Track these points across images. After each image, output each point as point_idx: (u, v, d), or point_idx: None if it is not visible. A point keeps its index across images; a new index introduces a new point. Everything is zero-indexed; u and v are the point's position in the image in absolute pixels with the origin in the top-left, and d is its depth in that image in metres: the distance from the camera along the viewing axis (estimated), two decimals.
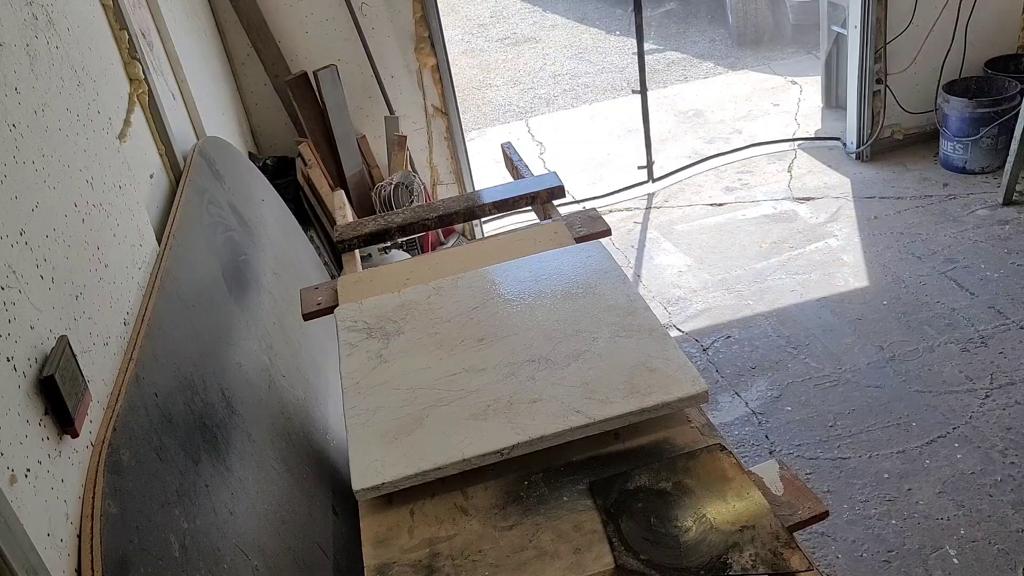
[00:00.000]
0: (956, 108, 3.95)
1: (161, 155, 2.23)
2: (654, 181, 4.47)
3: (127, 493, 1.22)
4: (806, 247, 3.68)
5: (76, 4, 1.86)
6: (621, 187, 4.47)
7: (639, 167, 4.46)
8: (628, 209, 4.31)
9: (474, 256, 2.07)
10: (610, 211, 4.27)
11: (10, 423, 1.04)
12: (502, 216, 4.14)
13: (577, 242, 2.05)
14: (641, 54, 4.28)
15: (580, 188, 4.61)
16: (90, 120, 1.64)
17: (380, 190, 3.64)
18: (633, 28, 4.28)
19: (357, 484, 1.37)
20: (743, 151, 4.63)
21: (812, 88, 5.26)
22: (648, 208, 4.28)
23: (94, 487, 1.18)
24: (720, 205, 4.18)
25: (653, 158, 4.45)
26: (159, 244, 1.88)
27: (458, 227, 4.08)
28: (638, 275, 3.70)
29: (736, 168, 4.52)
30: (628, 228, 4.10)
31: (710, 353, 3.13)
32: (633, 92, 4.36)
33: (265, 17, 3.54)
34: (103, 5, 2.06)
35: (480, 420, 1.45)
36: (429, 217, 2.29)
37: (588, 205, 4.30)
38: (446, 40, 3.81)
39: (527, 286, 1.83)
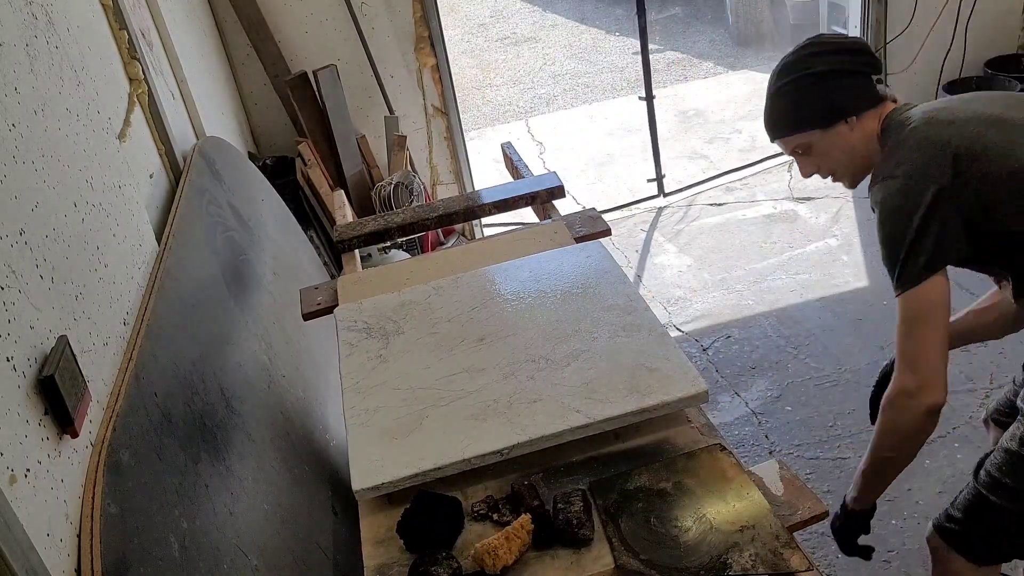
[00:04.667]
0: None
1: (161, 155, 2.24)
2: (665, 195, 4.33)
3: (127, 493, 1.22)
4: (806, 247, 3.68)
5: (76, 4, 1.86)
6: (632, 200, 4.34)
7: (648, 180, 4.33)
8: (633, 214, 4.29)
9: (474, 256, 2.07)
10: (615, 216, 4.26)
11: (10, 423, 1.04)
12: (505, 225, 4.13)
13: (577, 242, 2.05)
14: (646, 60, 4.17)
15: (582, 190, 4.58)
16: (90, 120, 1.64)
17: (380, 190, 3.64)
18: (636, 31, 4.22)
19: (357, 484, 1.37)
20: (756, 165, 4.46)
21: None
22: (657, 218, 4.22)
23: (94, 487, 1.18)
24: (720, 205, 4.18)
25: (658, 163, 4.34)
26: (159, 244, 1.88)
27: (458, 227, 4.07)
28: (639, 275, 3.70)
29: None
30: (631, 232, 4.09)
31: (710, 353, 3.13)
32: (640, 99, 4.27)
33: (265, 17, 3.54)
34: (103, 5, 2.06)
35: (480, 420, 1.45)
36: (429, 217, 2.29)
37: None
38: (446, 40, 3.81)
39: (527, 286, 1.83)
